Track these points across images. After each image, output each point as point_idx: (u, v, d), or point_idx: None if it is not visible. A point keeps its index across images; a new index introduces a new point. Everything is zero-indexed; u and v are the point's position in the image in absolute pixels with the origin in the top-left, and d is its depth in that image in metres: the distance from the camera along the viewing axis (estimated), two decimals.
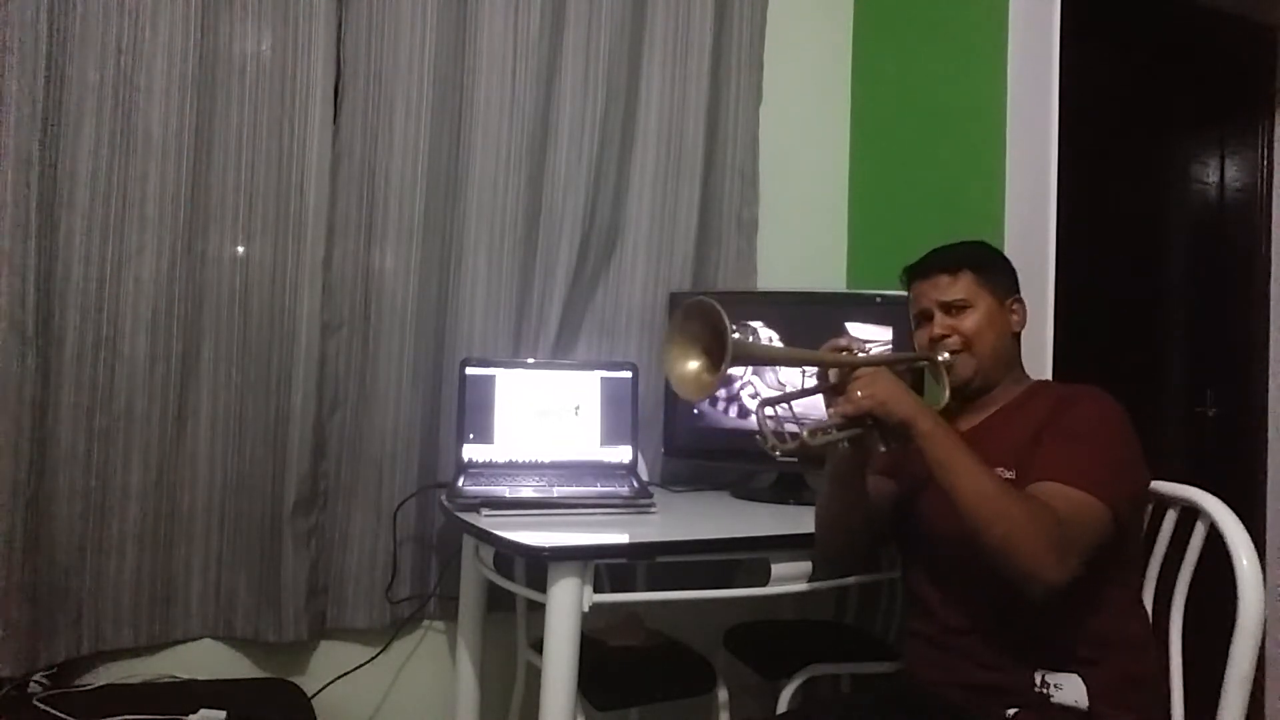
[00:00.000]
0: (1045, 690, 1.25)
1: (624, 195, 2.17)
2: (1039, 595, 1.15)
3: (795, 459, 1.24)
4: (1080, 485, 1.20)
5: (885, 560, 1.75)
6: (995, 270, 1.46)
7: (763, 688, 1.90)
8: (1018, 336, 1.47)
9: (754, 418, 1.26)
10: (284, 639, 1.83)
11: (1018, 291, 1.48)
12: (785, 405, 1.29)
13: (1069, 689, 1.24)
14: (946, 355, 1.41)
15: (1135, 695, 1.27)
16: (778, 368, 1.32)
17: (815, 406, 1.36)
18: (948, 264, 1.44)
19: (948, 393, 1.40)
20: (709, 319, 1.16)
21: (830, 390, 1.31)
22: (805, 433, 1.24)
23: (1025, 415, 1.37)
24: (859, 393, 1.24)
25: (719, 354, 1.13)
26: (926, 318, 1.45)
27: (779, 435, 1.24)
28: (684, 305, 1.21)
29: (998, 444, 1.34)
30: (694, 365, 1.18)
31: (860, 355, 1.31)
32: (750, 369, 2.00)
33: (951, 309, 1.42)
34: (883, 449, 1.30)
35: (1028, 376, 1.49)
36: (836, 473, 1.39)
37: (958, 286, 1.42)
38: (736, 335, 1.12)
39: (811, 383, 1.41)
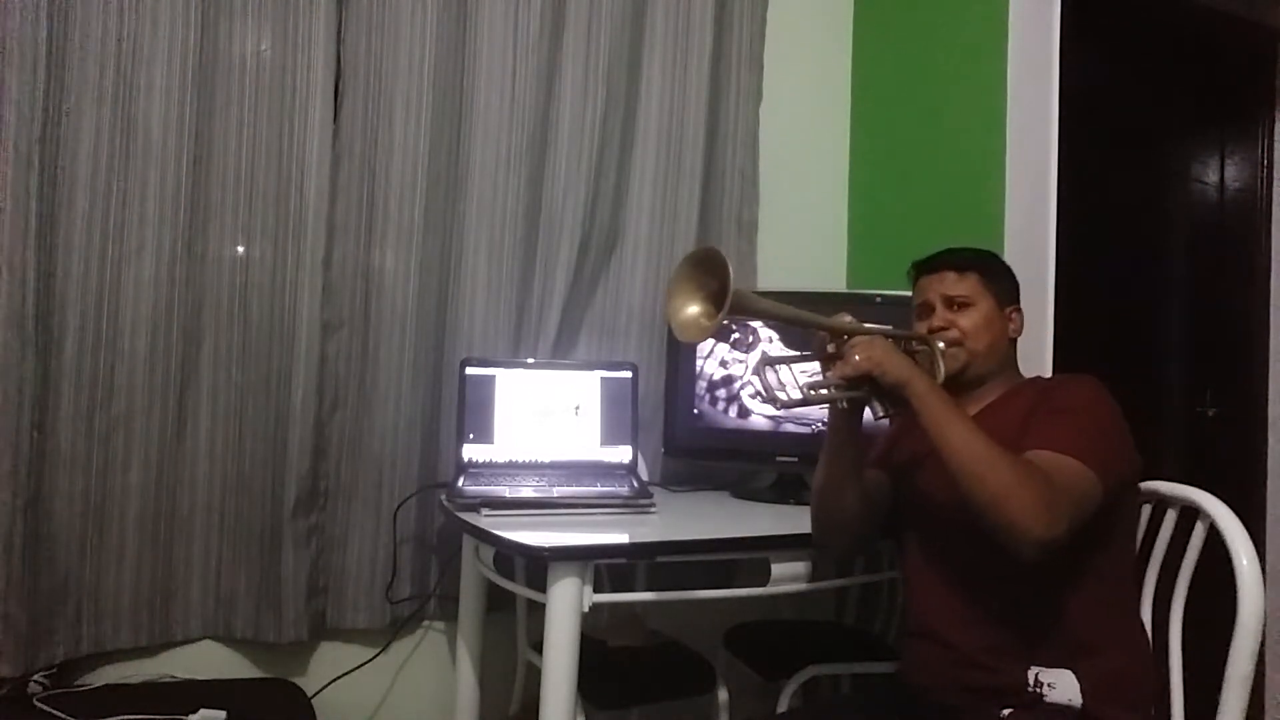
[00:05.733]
0: (1039, 689, 1.25)
1: (624, 195, 2.17)
2: (1031, 554, 1.15)
3: (789, 409, 1.32)
4: (1069, 452, 1.22)
5: (886, 560, 1.75)
6: (1001, 277, 1.51)
7: (763, 688, 1.90)
8: (1013, 343, 1.51)
9: (756, 380, 1.33)
10: (284, 639, 1.82)
11: (1018, 302, 1.52)
12: (786, 366, 1.34)
13: (1062, 687, 1.24)
14: (941, 345, 1.43)
15: (1129, 692, 1.27)
16: (779, 367, 1.31)
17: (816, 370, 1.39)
18: (957, 262, 1.48)
19: (942, 374, 1.41)
20: (715, 269, 1.20)
21: (829, 358, 1.33)
22: (805, 388, 1.30)
23: (1015, 405, 1.40)
24: (856, 355, 1.27)
25: (720, 302, 1.18)
26: (928, 310, 1.48)
27: (777, 393, 1.28)
28: (693, 252, 1.26)
29: (989, 434, 1.33)
30: (694, 309, 1.23)
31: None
32: (750, 369, 2.00)
33: (954, 304, 1.46)
34: (879, 415, 1.31)
35: (1022, 377, 1.52)
36: (831, 443, 1.41)
37: (963, 284, 1.46)
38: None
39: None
